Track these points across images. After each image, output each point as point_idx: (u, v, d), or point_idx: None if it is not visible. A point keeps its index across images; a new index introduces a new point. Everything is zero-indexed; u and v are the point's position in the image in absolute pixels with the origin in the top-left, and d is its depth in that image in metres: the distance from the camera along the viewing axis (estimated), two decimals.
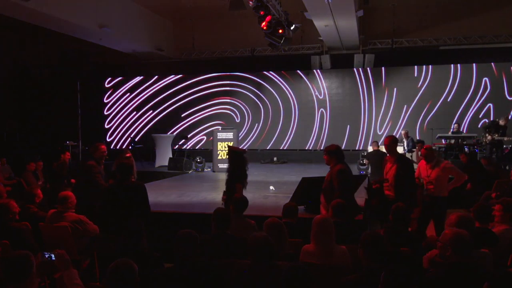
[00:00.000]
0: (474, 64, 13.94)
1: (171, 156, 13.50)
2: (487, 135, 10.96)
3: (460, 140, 11.70)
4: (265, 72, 15.67)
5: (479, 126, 13.15)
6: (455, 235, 2.82)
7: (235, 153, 5.64)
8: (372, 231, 3.02)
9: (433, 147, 10.09)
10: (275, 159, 14.54)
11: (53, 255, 2.82)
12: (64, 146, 12.30)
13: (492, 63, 13.81)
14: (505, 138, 10.90)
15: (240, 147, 7.98)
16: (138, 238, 3.37)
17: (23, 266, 2.43)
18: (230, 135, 12.68)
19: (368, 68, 14.64)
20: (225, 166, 12.28)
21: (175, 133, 15.37)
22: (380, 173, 9.36)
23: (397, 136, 11.41)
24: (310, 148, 15.31)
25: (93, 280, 4.47)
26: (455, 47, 14.27)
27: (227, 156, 5.84)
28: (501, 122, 11.01)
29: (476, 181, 7.86)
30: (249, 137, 15.73)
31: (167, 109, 16.61)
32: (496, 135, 10.82)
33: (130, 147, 14.62)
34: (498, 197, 5.73)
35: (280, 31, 9.71)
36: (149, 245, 4.32)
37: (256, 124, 15.73)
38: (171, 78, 16.57)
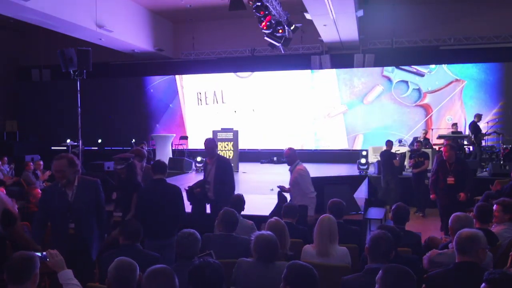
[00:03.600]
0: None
1: (171, 156, 13.50)
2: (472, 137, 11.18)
3: (459, 140, 11.70)
4: (265, 72, 15.68)
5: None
6: (458, 235, 2.84)
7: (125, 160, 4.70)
8: (381, 230, 3.01)
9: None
10: (275, 159, 14.54)
11: (45, 255, 2.80)
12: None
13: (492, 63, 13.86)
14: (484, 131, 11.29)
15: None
16: (137, 239, 3.38)
17: (28, 267, 2.43)
18: (230, 135, 12.68)
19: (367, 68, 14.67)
20: None
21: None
22: (388, 172, 9.38)
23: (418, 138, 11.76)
24: (310, 148, 15.31)
25: (93, 280, 4.46)
26: (455, 47, 14.28)
27: (117, 165, 4.72)
28: (475, 119, 11.29)
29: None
30: (249, 137, 15.72)
31: (167, 109, 16.64)
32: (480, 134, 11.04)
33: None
34: (497, 196, 5.73)
35: (280, 31, 9.72)
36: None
37: (256, 124, 15.72)
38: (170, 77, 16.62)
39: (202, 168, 12.76)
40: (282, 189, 5.49)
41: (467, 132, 11.88)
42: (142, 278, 2.31)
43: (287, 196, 5.68)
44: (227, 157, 12.44)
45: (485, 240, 2.76)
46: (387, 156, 9.47)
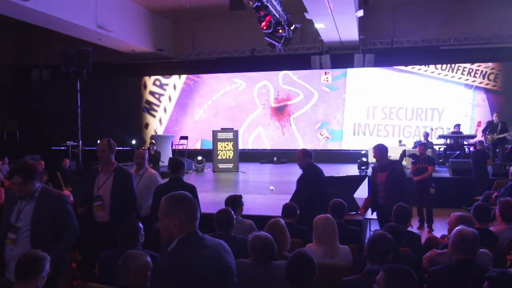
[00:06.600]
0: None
1: (171, 156, 13.48)
2: (488, 136, 10.98)
3: (460, 140, 11.69)
4: (265, 72, 15.66)
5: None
6: (458, 233, 2.88)
7: None
8: (380, 231, 3.02)
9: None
10: (275, 159, 14.54)
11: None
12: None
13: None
14: (507, 134, 10.92)
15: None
16: (134, 241, 3.38)
17: (35, 266, 2.45)
18: (230, 135, 12.67)
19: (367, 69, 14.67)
20: (225, 165, 12.46)
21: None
22: (482, 174, 9.02)
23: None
24: (310, 148, 15.30)
25: (93, 280, 4.46)
26: (455, 47, 14.27)
27: None
28: (494, 120, 11.11)
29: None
30: (249, 137, 15.73)
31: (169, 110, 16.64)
32: (495, 134, 10.84)
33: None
34: (497, 197, 5.73)
35: (280, 31, 9.70)
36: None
37: (256, 124, 15.71)
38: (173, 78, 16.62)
39: (199, 167, 12.76)
40: None
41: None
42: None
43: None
44: (227, 157, 12.46)
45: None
46: (480, 156, 8.82)
